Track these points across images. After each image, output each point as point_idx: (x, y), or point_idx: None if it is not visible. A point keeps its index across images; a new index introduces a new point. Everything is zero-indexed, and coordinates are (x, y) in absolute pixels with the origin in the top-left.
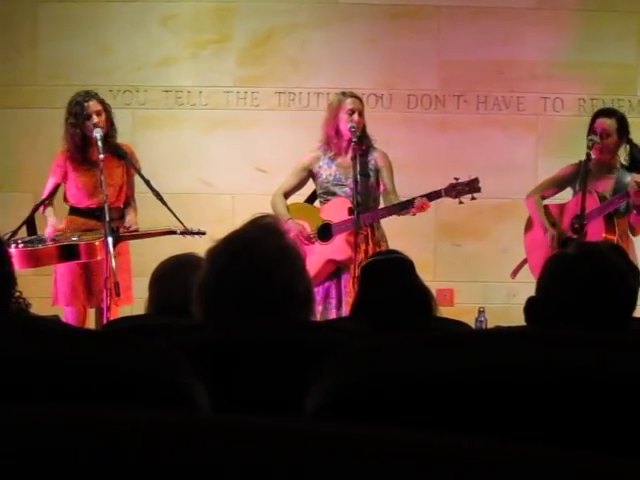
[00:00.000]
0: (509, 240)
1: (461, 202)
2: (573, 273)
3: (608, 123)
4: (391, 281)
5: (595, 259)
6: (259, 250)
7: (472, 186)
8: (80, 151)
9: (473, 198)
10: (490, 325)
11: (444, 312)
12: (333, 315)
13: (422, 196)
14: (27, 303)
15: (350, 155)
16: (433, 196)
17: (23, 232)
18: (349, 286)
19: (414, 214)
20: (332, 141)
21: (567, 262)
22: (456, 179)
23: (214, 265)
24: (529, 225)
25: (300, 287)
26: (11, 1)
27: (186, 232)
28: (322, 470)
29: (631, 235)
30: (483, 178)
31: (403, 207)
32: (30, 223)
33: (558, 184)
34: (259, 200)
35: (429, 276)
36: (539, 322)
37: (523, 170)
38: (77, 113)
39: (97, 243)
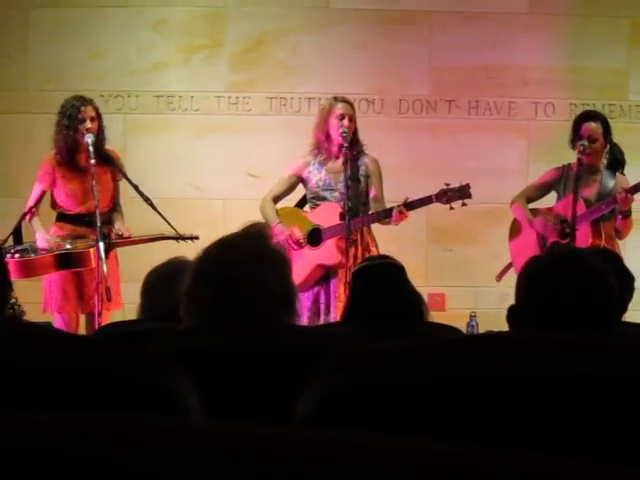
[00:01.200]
0: (500, 245)
1: (452, 208)
2: (547, 278)
3: (594, 127)
4: (382, 286)
5: (568, 262)
6: (234, 254)
7: (463, 192)
8: (70, 155)
9: (464, 204)
10: (481, 330)
11: (436, 317)
12: (322, 320)
13: (404, 204)
14: (21, 310)
15: (341, 160)
16: (425, 201)
17: (10, 242)
18: (338, 291)
19: (396, 224)
20: (323, 146)
21: (541, 267)
22: (447, 185)
23: (193, 270)
24: (514, 230)
25: (277, 291)
26: (2, 6)
27: (179, 237)
28: (314, 476)
29: (617, 239)
30: (474, 183)
31: (383, 216)
32: (17, 233)
33: (542, 189)
34: (250, 205)
35: (420, 281)
36: (521, 329)
37: (514, 175)
38: (72, 115)
39: (92, 251)
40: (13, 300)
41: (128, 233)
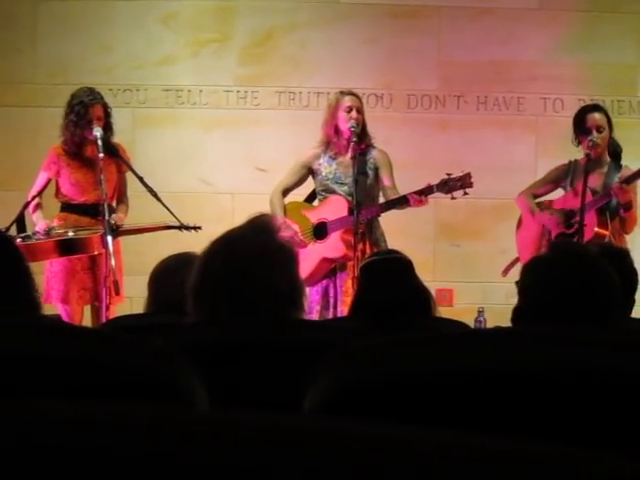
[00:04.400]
0: (508, 240)
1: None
2: (550, 275)
3: (599, 117)
4: (390, 281)
5: (571, 259)
6: (239, 248)
7: (464, 181)
8: (76, 148)
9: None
10: (489, 325)
11: (443, 312)
12: (332, 314)
13: (415, 192)
14: (40, 302)
15: (350, 154)
16: (425, 192)
17: (13, 230)
18: (345, 285)
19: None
20: (332, 140)
21: (544, 265)
22: (448, 174)
23: (199, 264)
24: (520, 224)
25: (284, 286)
26: None
27: (182, 227)
28: (321, 467)
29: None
30: (483, 178)
31: (398, 203)
32: (20, 221)
33: (549, 185)
34: (259, 199)
35: (428, 276)
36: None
37: (523, 170)
38: (79, 113)
39: (94, 237)
40: (35, 292)
41: (120, 223)
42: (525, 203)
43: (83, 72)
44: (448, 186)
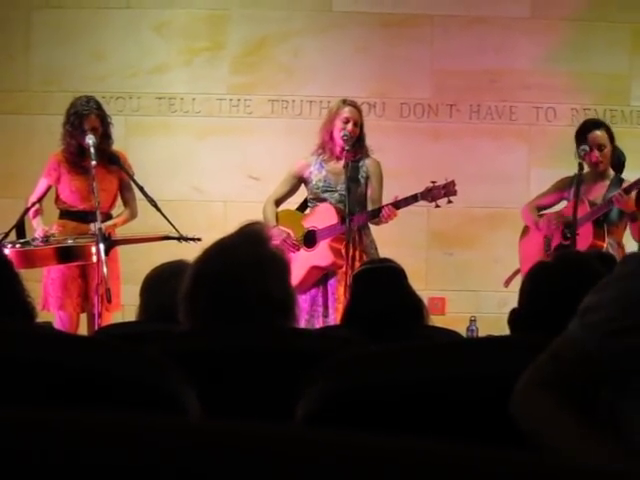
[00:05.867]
0: (501, 249)
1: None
2: (551, 283)
3: (600, 135)
4: (383, 289)
5: (573, 267)
6: (232, 256)
7: (448, 189)
8: (76, 157)
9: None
10: (481, 334)
11: (436, 321)
12: (320, 323)
13: (389, 204)
14: (33, 307)
15: (342, 162)
16: (410, 200)
17: (12, 236)
18: (338, 292)
19: (386, 222)
20: (327, 146)
21: (545, 272)
22: (433, 182)
23: (192, 272)
24: (524, 235)
25: (277, 294)
26: (4, 7)
27: (181, 238)
28: (312, 475)
29: (622, 246)
30: (475, 187)
31: (373, 215)
32: (20, 227)
33: (553, 196)
34: (251, 207)
35: (421, 285)
36: (523, 332)
37: (515, 180)
38: (74, 124)
39: (92, 245)
40: (29, 298)
41: (109, 231)
42: (529, 216)
43: (76, 80)
44: (432, 194)
